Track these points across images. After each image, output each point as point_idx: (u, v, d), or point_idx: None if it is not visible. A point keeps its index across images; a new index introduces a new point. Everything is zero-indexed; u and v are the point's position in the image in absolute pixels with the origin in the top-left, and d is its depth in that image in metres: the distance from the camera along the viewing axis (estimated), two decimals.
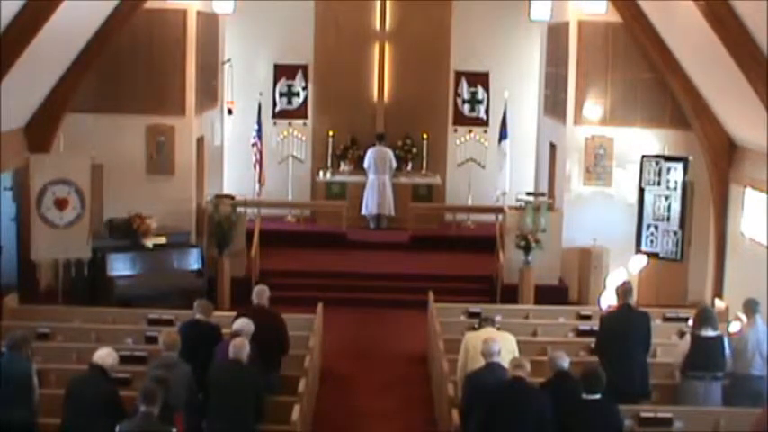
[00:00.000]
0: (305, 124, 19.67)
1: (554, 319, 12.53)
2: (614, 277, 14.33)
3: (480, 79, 19.62)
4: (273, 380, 9.44)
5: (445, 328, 11.70)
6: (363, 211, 18.55)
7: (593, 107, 15.63)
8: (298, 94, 19.66)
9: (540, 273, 14.94)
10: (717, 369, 9.59)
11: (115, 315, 12.16)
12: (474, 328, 9.85)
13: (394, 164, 18.75)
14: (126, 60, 15.45)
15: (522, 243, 14.70)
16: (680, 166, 14.30)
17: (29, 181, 13.50)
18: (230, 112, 18.82)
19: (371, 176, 18.54)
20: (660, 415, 9.16)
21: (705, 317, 9.71)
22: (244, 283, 14.69)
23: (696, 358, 9.57)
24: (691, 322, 11.61)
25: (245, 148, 18.74)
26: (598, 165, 15.64)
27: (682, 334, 11.49)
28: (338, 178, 19.01)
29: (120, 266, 13.80)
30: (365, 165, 18.66)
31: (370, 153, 18.65)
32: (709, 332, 9.59)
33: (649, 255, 14.67)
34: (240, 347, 8.43)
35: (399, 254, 17.25)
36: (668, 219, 14.36)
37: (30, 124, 14.38)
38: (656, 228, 14.47)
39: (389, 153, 18.72)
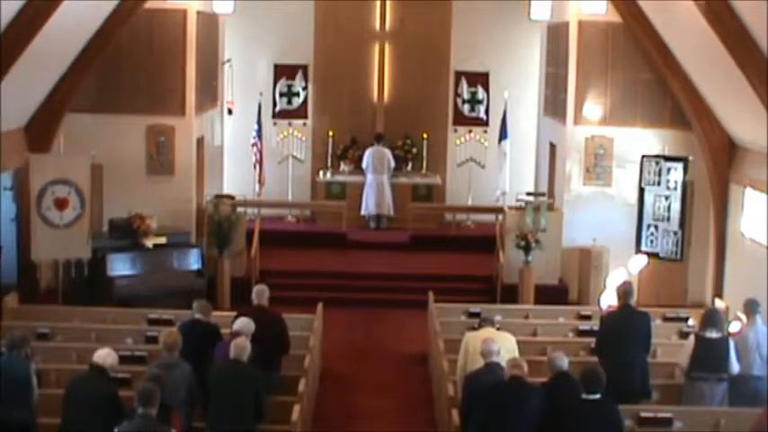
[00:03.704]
0: (305, 124, 19.65)
1: (554, 319, 12.53)
2: (614, 277, 14.30)
3: (480, 79, 19.60)
4: (273, 380, 9.43)
5: (445, 328, 11.69)
6: (363, 212, 18.56)
7: (593, 107, 15.63)
8: (298, 94, 19.65)
9: (539, 273, 14.95)
10: (721, 371, 9.57)
11: (115, 315, 12.15)
12: (474, 328, 9.85)
13: (392, 164, 18.74)
14: (126, 60, 15.45)
15: (522, 243, 14.71)
16: (680, 166, 14.30)
17: (29, 181, 13.49)
18: (230, 112, 18.82)
19: (370, 176, 18.54)
20: (660, 415, 9.16)
21: (710, 318, 9.70)
22: (244, 283, 14.67)
23: (700, 359, 9.54)
24: (691, 322, 11.65)
25: (245, 148, 18.74)
26: (598, 165, 15.64)
27: (683, 334, 11.50)
28: (338, 178, 19.01)
29: (120, 266, 13.79)
30: (363, 165, 18.66)
31: (368, 153, 18.65)
32: (714, 333, 9.58)
33: (649, 255, 14.67)
34: (242, 347, 8.42)
35: (399, 254, 17.23)
36: (668, 219, 14.36)
37: (30, 124, 14.38)
38: (656, 228, 14.47)
39: (387, 153, 18.71)
